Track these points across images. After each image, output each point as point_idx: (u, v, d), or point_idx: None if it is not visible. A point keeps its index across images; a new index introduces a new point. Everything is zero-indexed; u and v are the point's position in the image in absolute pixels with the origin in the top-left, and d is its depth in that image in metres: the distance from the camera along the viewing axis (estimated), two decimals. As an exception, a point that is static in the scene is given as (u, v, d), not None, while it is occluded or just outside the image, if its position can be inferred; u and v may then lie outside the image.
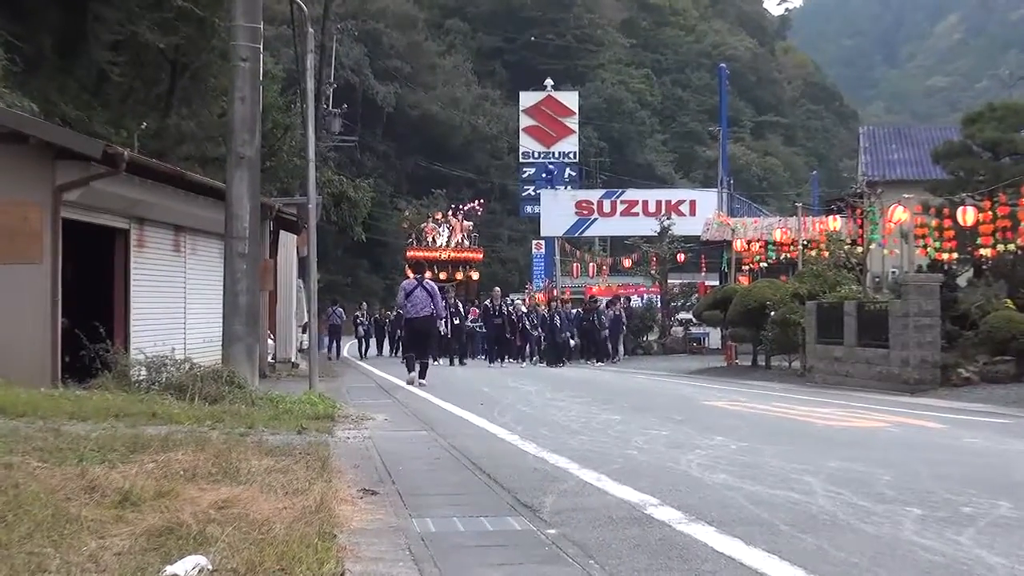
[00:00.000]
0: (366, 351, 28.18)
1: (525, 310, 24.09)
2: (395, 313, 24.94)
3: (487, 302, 23.12)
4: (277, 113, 22.75)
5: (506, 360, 22.50)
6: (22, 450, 5.05)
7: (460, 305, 23.18)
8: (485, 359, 23.44)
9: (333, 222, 27.23)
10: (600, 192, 41.68)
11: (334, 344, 27.82)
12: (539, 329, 23.12)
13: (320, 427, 7.40)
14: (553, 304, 24.32)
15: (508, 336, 22.79)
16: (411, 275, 16.16)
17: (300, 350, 21.05)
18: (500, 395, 12.02)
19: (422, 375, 13.76)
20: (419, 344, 14.12)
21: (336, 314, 28.86)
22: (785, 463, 5.86)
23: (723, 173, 39.30)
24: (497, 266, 57.44)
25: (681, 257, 32.21)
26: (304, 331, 21.81)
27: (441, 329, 21.35)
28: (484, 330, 24.18)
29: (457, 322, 22.10)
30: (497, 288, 24.03)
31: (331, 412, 8.58)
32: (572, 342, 24.09)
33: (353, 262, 56.59)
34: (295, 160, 22.45)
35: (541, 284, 40.48)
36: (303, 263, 18.32)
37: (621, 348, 26.36)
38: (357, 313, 29.63)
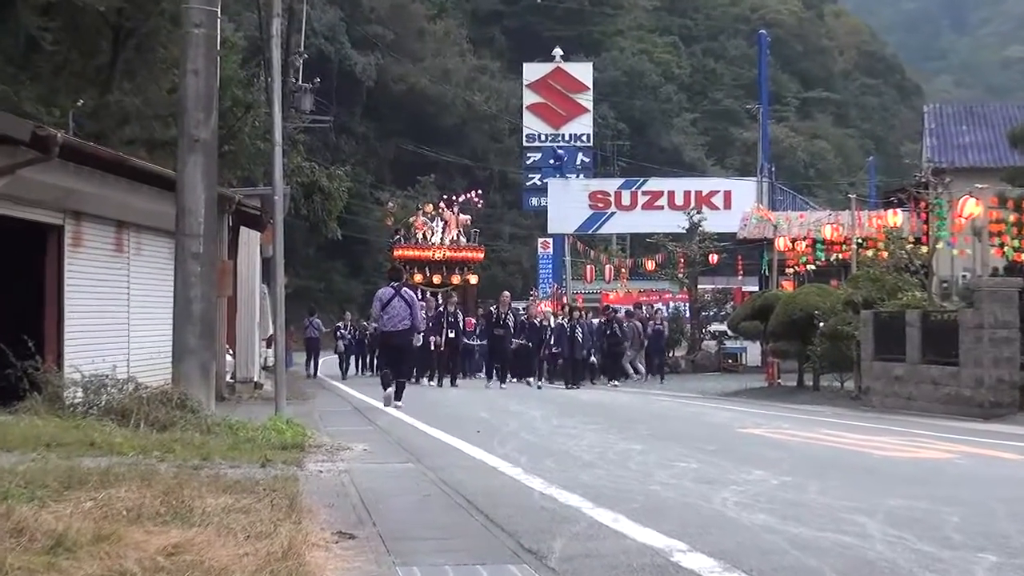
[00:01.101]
0: (347, 369, 28.39)
1: (558, 321, 23.92)
2: (372, 327, 25.10)
3: (492, 308, 23.04)
4: (237, 88, 22.81)
5: (509, 379, 22.59)
6: (-69, 487, 5.02)
7: (459, 315, 23.07)
8: (485, 376, 23.58)
9: (304, 217, 27.60)
10: (618, 181, 41.98)
11: (312, 360, 27.94)
12: (560, 344, 23.08)
13: (288, 458, 7.46)
14: (575, 314, 24.12)
15: (515, 349, 22.76)
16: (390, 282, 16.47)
17: (264, 368, 21.06)
18: (500, 421, 12.14)
19: (398, 395, 14.09)
20: (396, 361, 14.55)
21: (313, 326, 28.99)
22: (836, 501, 5.90)
23: (763, 159, 39.41)
24: (496, 268, 57.90)
25: (714, 258, 32.37)
26: (269, 345, 21.82)
27: (433, 343, 21.62)
28: (482, 343, 24.29)
29: (453, 335, 22.14)
30: (506, 293, 23.87)
31: (301, 441, 8.64)
32: (592, 359, 24.29)
33: (327, 264, 56.87)
34: (258, 144, 22.54)
35: (548, 290, 40.81)
36: (268, 265, 18.30)
37: (642, 366, 26.56)
38: (339, 324, 29.80)
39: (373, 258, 59.43)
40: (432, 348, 21.87)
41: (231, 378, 17.49)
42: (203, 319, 10.02)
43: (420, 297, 26.21)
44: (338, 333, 28.81)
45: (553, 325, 23.53)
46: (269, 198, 13.84)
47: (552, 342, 22.92)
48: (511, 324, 22.12)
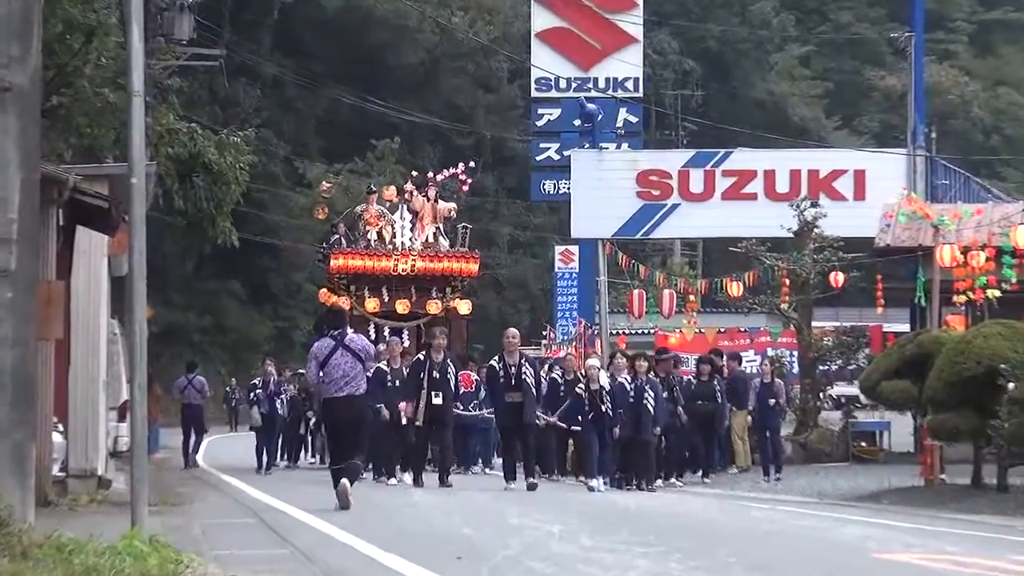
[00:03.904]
0: (271, 459, 28.68)
1: (618, 380, 23.52)
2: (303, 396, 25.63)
3: (495, 361, 22.66)
4: (72, 5, 22.41)
5: (539, 475, 22.60)
6: None
7: (450, 367, 22.86)
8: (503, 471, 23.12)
9: (179, 211, 27.64)
10: (684, 155, 41.24)
11: (192, 440, 28.78)
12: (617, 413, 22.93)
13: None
14: (641, 367, 23.86)
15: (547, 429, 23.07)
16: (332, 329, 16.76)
17: (115, 454, 21.03)
18: (494, 540, 12.22)
19: (347, 473, 15.26)
20: (345, 440, 15.73)
21: (194, 387, 29.57)
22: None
23: (917, 119, 39.11)
24: (487, 294, 57.39)
25: (838, 279, 32.08)
26: (123, 419, 21.69)
27: (405, 416, 22.02)
28: (491, 411, 24.39)
29: (440, 401, 22.13)
30: (513, 332, 23.43)
31: (172, 573, 8.70)
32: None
33: (216, 287, 56.75)
34: (106, 95, 22.60)
35: (572, 327, 40.36)
36: (121, 289, 18.32)
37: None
38: (255, 381, 30.09)
39: (289, 276, 59.48)
40: (404, 422, 22.28)
41: (61, 470, 17.42)
42: (14, 375, 10.07)
43: (381, 340, 26.03)
44: (254, 395, 29.06)
45: (608, 386, 23.15)
46: (122, 181, 13.85)
47: (611, 413, 22.63)
48: (530, 381, 21.90)
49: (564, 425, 23.55)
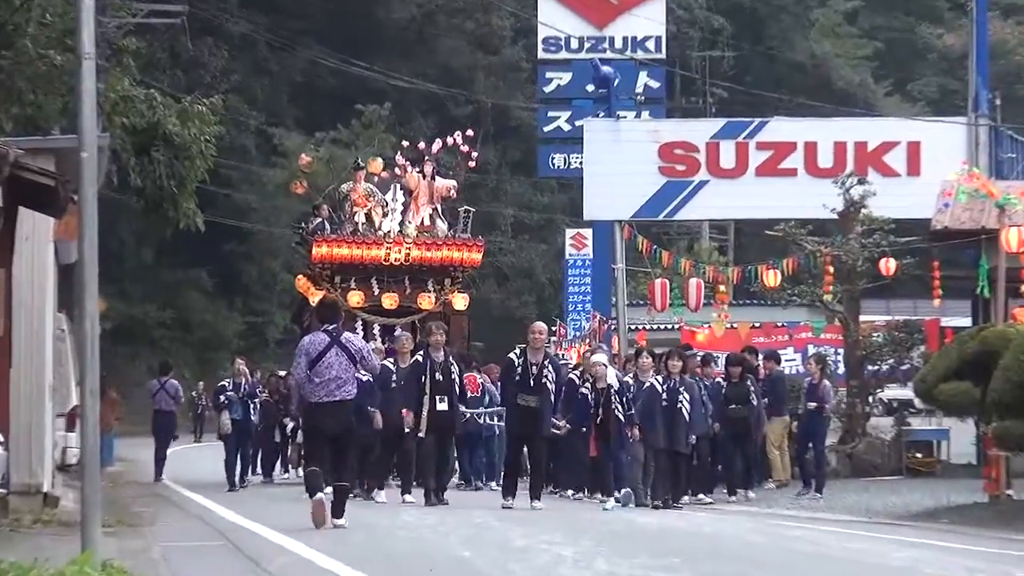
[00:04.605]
0: (244, 472, 28.93)
1: (649, 382, 23.66)
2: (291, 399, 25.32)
3: (514, 354, 22.52)
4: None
5: (549, 491, 22.92)
6: None
7: (454, 368, 22.86)
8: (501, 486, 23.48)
9: (137, 190, 27.47)
10: (713, 125, 41.42)
11: (163, 452, 29.07)
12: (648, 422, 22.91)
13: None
14: (672, 362, 23.78)
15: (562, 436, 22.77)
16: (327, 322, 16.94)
17: (63, 468, 21.23)
18: (496, 565, 12.33)
19: (337, 511, 15.27)
20: (331, 451, 15.83)
21: (167, 391, 29.77)
22: None
23: (979, 84, 38.94)
24: (488, 285, 57.85)
25: (889, 266, 32.01)
26: (72, 426, 21.95)
27: (408, 424, 21.73)
28: (501, 419, 24.59)
29: (445, 407, 22.09)
30: (540, 325, 22.96)
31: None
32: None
33: (179, 276, 57.10)
34: (52, 56, 22.65)
35: (585, 322, 40.41)
36: (70, 279, 18.29)
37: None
38: (224, 383, 30.09)
39: (263, 265, 59.35)
40: (404, 432, 22.09)
41: (1, 487, 17.34)
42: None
43: (370, 338, 26.36)
44: (222, 397, 28.83)
45: (635, 386, 23.25)
46: (71, 155, 14.09)
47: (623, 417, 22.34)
48: (551, 386, 21.64)
49: (558, 429, 22.42)
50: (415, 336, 26.92)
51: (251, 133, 58.58)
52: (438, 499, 21.63)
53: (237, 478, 27.79)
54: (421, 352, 22.78)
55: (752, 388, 25.96)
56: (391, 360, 23.57)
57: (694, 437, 23.40)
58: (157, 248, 50.19)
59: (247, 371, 29.41)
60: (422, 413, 21.65)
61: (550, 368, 21.64)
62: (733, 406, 25.40)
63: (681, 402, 22.94)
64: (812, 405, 26.32)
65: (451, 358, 22.79)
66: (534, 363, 21.40)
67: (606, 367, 22.48)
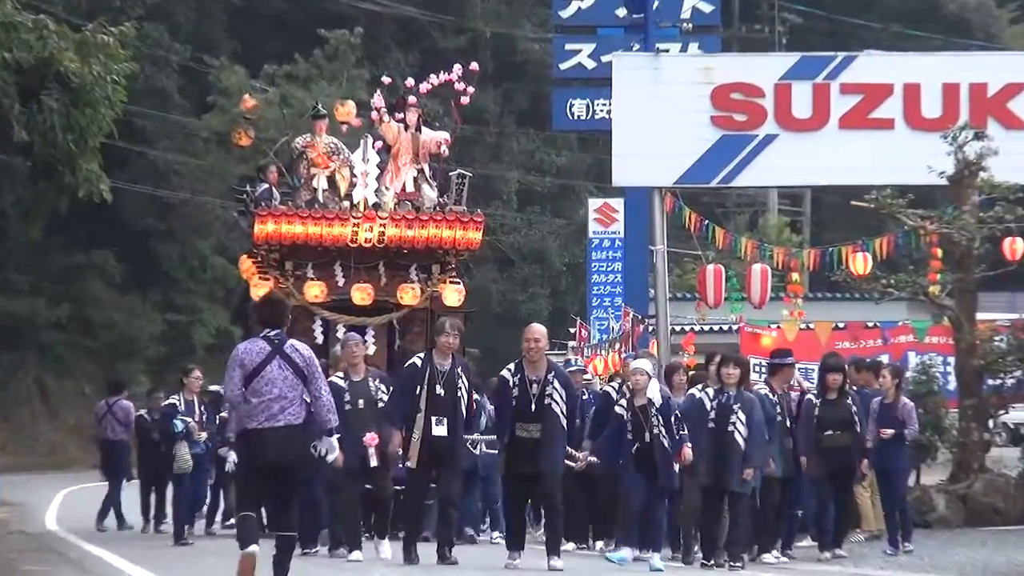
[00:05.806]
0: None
1: (696, 396, 22.66)
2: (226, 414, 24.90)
3: (508, 370, 21.34)
4: None
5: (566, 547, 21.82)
6: None
7: (461, 381, 21.26)
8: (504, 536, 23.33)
9: (21, 148, 26.40)
10: (784, 61, 38.25)
11: (115, 489, 28.87)
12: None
13: None
14: (728, 371, 22.20)
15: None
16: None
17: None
18: None
19: (279, 570, 14.74)
20: (273, 491, 15.21)
21: (114, 416, 29.29)
22: None
23: None
24: (487, 272, 57.37)
25: (1015, 248, 30.12)
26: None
27: (374, 456, 20.74)
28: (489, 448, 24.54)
29: (443, 431, 20.48)
30: (537, 327, 21.96)
31: None
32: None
33: (79, 260, 55.15)
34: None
35: (614, 321, 38.36)
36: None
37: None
38: (172, 400, 28.67)
39: (190, 245, 56.53)
40: (373, 464, 20.90)
41: None
42: None
43: (327, 344, 25.96)
44: (178, 422, 27.48)
45: (658, 402, 21.89)
46: None
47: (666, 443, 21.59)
48: (558, 409, 20.32)
49: (574, 462, 21.56)
50: (391, 342, 26.79)
51: (173, 71, 56.33)
52: (441, 557, 19.91)
53: (179, 531, 26.09)
54: (420, 356, 21.07)
55: (855, 408, 23.41)
56: (340, 375, 21.74)
57: (750, 471, 21.51)
58: (49, 224, 45.98)
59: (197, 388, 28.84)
60: (413, 437, 20.08)
61: (556, 385, 20.43)
62: (830, 432, 23.05)
63: (734, 424, 21.21)
64: (888, 433, 24.10)
65: (460, 369, 20.95)
66: (534, 380, 20.36)
67: (649, 377, 21.17)
